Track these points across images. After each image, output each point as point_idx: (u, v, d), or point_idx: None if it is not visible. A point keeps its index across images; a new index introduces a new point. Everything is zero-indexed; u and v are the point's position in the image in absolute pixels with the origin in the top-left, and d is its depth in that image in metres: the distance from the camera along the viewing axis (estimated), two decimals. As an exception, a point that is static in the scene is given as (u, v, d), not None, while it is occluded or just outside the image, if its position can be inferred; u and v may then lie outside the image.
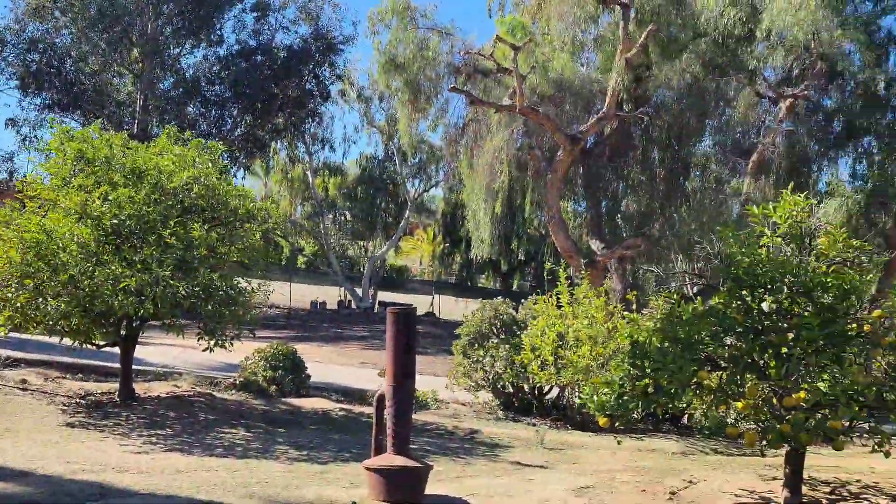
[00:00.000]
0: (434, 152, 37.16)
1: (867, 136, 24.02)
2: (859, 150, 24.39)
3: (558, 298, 13.18)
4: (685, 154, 22.47)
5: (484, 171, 22.01)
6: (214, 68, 31.55)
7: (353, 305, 37.92)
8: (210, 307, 10.54)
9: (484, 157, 21.96)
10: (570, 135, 19.22)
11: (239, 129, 32.04)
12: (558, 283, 13.20)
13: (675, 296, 7.56)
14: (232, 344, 11.21)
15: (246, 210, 11.49)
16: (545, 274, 13.59)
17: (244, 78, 30.37)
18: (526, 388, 13.93)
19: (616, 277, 21.63)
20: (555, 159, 19.90)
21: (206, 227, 10.58)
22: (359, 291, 38.19)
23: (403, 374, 6.64)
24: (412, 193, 39.56)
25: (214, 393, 12.34)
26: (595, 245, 20.99)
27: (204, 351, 11.17)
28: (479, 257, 28.31)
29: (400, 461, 6.54)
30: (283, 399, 12.51)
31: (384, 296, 40.71)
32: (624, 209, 24.31)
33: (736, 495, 7.68)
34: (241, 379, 12.93)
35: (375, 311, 36.25)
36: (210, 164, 11.38)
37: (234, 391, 12.67)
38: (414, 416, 11.95)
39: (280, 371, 12.91)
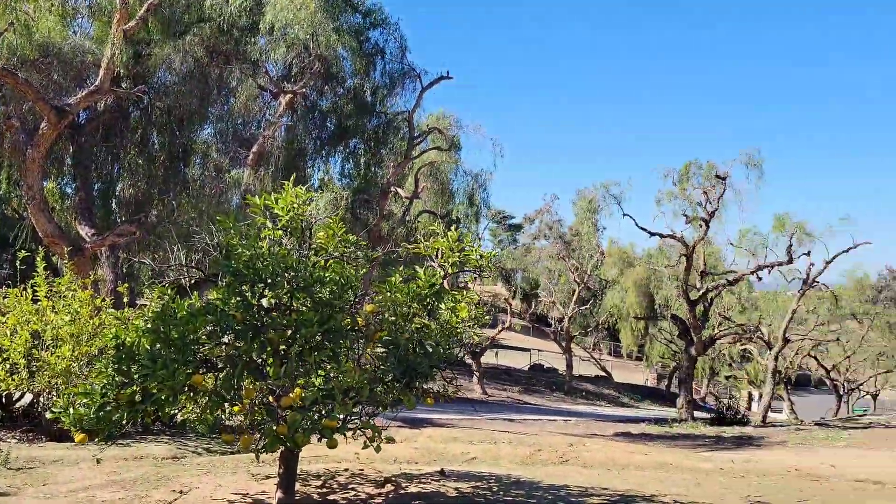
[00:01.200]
0: None
1: (355, 138, 25.93)
2: (348, 150, 26.24)
3: (35, 291, 11.47)
4: (186, 140, 21.73)
5: (-56, 140, 18.57)
6: None
7: None
8: None
9: (-55, 123, 18.51)
10: (57, 106, 17.04)
11: None
12: (36, 272, 11.48)
13: (169, 291, 6.84)
14: None
15: None
16: (17, 263, 11.71)
17: None
18: (-9, 396, 11.90)
19: (107, 267, 19.98)
20: (38, 133, 17.51)
21: None
22: None
23: None
24: None
25: None
26: (84, 231, 19.06)
27: None
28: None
29: None
30: None
31: None
32: (119, 193, 22.70)
33: (230, 501, 7.28)
34: None
35: None
36: None
37: None
38: None
39: None
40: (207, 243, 7.58)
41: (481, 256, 7.41)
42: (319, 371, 6.71)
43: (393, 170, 25.33)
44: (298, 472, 7.65)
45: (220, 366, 6.50)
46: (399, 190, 25.99)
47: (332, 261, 7.07)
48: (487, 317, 8.21)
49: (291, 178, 7.25)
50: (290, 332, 6.39)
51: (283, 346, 6.43)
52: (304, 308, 6.51)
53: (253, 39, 21.37)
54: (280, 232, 7.05)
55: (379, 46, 25.07)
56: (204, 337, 6.35)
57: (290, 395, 6.31)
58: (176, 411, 6.91)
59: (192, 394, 6.43)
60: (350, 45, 22.70)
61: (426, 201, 30.49)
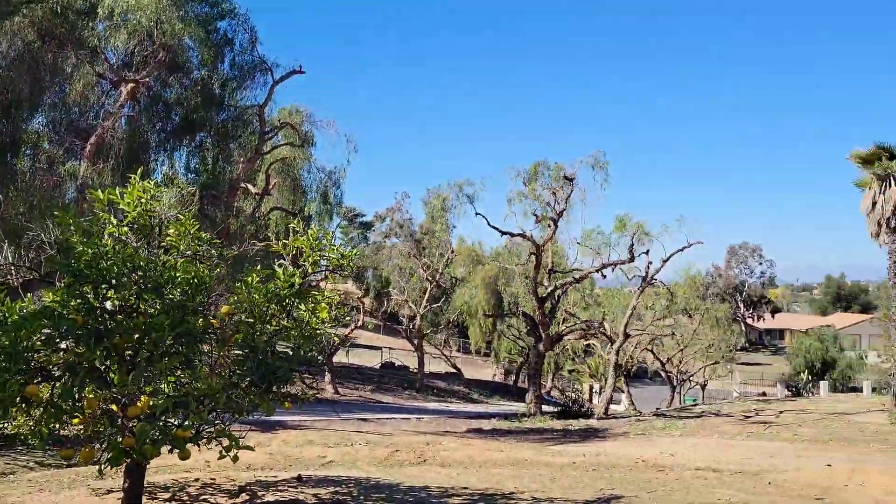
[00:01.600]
0: None
1: (202, 132, 24.94)
2: (195, 143, 25.20)
3: None
4: (14, 129, 20.14)
5: None
6: None
7: None
8: None
9: None
10: None
11: None
12: None
13: (-1, 293, 6.21)
14: None
15: None
16: None
17: None
18: None
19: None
20: None
21: None
22: None
23: None
24: None
25: None
26: None
27: None
28: None
29: None
30: None
31: None
32: (-65, 186, 20.75)
33: (67, 520, 6.72)
34: None
35: None
36: None
37: None
38: None
39: None
40: (43, 240, 6.95)
41: (342, 256, 7.19)
42: (170, 378, 6.30)
43: (243, 165, 24.57)
44: (145, 484, 7.17)
45: (57, 374, 5.96)
46: (249, 186, 25.27)
47: (183, 260, 6.65)
48: (348, 317, 8.01)
49: (139, 172, 6.78)
50: (137, 336, 5.95)
51: (130, 352, 5.98)
52: (153, 310, 6.08)
53: (91, 24, 20.13)
54: (126, 229, 6.57)
55: (228, 37, 24.28)
56: (39, 343, 5.80)
57: (138, 404, 5.89)
58: (5, 425, 6.30)
59: (24, 405, 5.87)
60: (197, 34, 21.81)
61: (278, 198, 29.77)
